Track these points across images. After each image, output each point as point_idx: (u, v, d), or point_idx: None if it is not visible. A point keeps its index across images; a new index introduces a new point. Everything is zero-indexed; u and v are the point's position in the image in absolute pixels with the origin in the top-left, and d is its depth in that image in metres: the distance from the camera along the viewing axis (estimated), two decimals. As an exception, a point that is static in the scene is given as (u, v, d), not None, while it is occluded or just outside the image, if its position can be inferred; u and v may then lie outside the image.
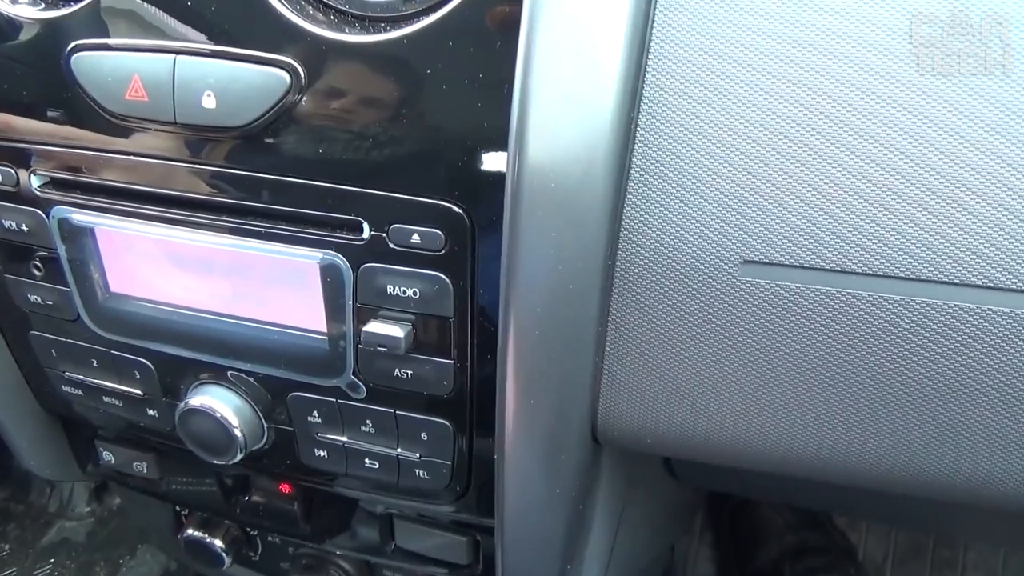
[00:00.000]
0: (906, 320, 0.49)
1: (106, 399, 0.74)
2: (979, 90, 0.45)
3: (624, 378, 0.57)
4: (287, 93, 0.54)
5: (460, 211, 0.55)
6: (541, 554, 0.68)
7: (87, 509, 1.69)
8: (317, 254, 0.59)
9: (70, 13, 0.59)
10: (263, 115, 0.55)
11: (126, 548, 1.62)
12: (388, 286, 0.58)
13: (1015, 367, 0.48)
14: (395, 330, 0.58)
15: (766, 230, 0.50)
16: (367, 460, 0.67)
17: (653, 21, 0.50)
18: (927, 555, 1.50)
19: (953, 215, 0.47)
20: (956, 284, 0.48)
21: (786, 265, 0.50)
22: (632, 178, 0.52)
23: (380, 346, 0.59)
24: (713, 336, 0.53)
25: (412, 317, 0.59)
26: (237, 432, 0.67)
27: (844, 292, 0.49)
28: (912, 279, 0.48)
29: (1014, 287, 0.47)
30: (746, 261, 0.51)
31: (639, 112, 0.51)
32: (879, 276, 0.49)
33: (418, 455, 0.65)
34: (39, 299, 0.70)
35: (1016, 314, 0.47)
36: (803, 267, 0.50)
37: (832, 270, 0.49)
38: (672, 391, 0.56)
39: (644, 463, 0.86)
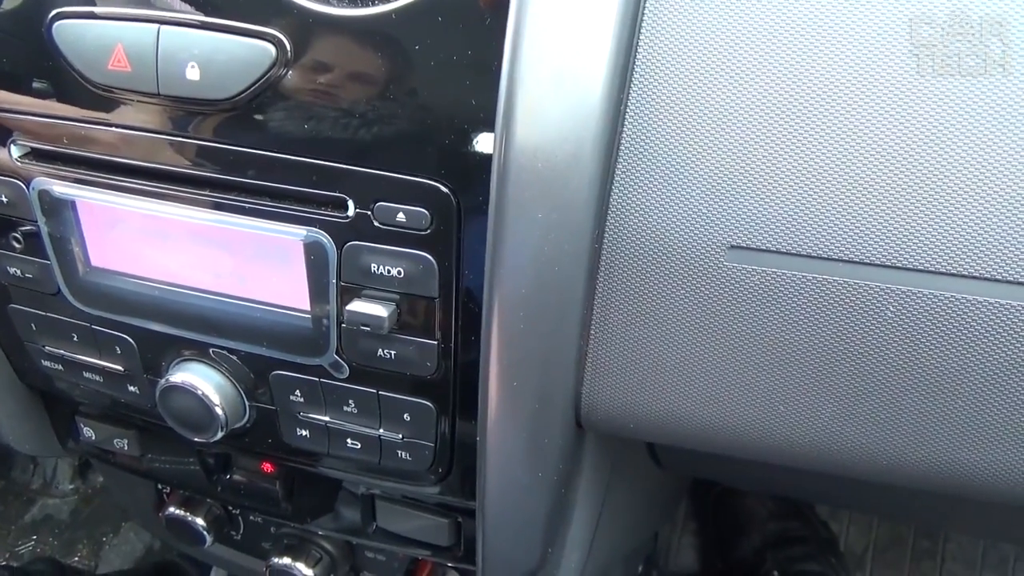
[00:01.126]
0: (891, 309, 0.49)
1: (86, 374, 0.73)
2: (978, 90, 0.45)
3: (609, 362, 0.57)
4: (273, 66, 0.53)
5: (447, 190, 0.54)
6: (522, 537, 0.68)
7: (71, 487, 1.69)
8: (301, 231, 0.58)
9: (52, -21, 0.58)
10: (248, 88, 0.54)
11: (109, 526, 1.62)
12: (372, 265, 0.57)
13: (999, 357, 0.48)
14: (379, 309, 0.58)
15: (753, 216, 0.49)
16: (349, 440, 0.67)
17: (645, 2, 0.49)
18: (907, 545, 1.51)
19: (942, 207, 0.47)
20: (942, 273, 0.48)
21: (773, 251, 0.50)
22: (620, 160, 0.51)
23: (363, 325, 0.58)
24: (698, 321, 0.53)
25: (396, 297, 0.58)
26: (218, 410, 0.66)
27: (831, 279, 0.49)
28: (898, 268, 0.48)
29: (1000, 277, 0.47)
30: (733, 246, 0.50)
31: (629, 94, 0.50)
32: (865, 264, 0.48)
33: (400, 436, 0.65)
34: (18, 272, 0.69)
35: (1001, 304, 0.47)
36: (790, 253, 0.49)
37: (819, 257, 0.49)
38: (656, 376, 0.56)
39: (628, 449, 0.86)
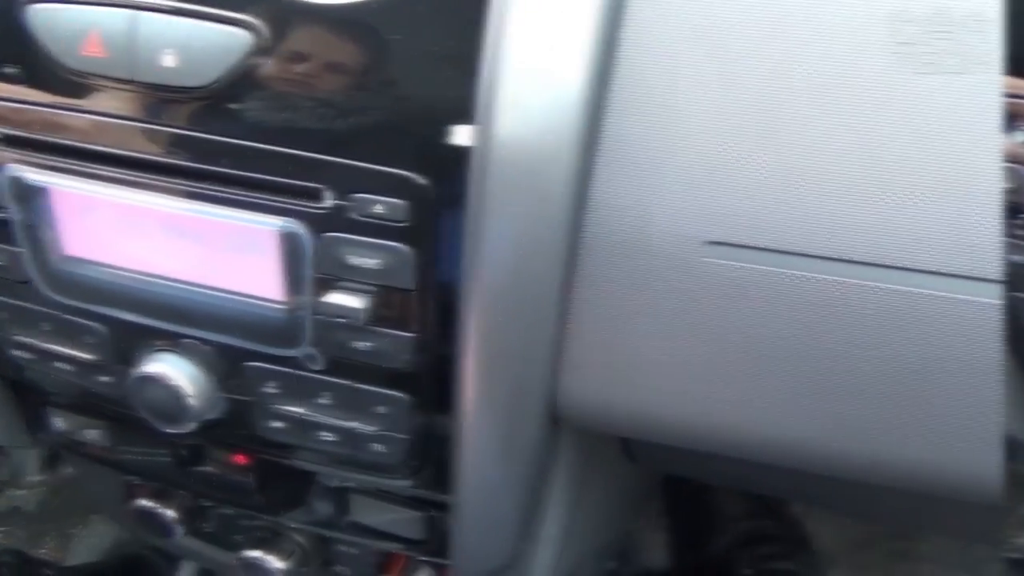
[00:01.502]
0: (871, 306, 0.49)
1: (57, 364, 0.72)
2: (959, 88, 0.46)
3: (586, 356, 0.57)
4: (250, 54, 0.53)
5: (425, 182, 0.54)
6: (495, 532, 0.68)
7: (39, 478, 1.67)
8: (276, 221, 0.57)
9: (26, -39, 0.57)
10: (224, 75, 0.53)
11: (78, 518, 1.60)
12: (348, 256, 0.57)
13: (979, 356, 0.49)
14: (354, 301, 0.57)
15: (732, 211, 0.50)
16: (323, 432, 0.66)
17: (627, -2, 0.50)
18: (880, 545, 1.53)
19: (924, 204, 0.47)
20: (925, 272, 0.48)
21: (751, 247, 0.50)
22: (601, 155, 0.51)
23: (339, 317, 0.58)
24: (675, 316, 0.53)
25: (372, 289, 0.58)
26: (191, 400, 0.66)
27: (808, 276, 0.50)
28: (876, 265, 0.48)
29: (980, 276, 0.47)
30: (711, 242, 0.50)
31: (611, 88, 0.50)
32: (843, 261, 0.49)
33: (375, 428, 0.65)
34: (-13, 260, 0.68)
35: (982, 303, 0.47)
36: (768, 249, 0.50)
37: (796, 253, 0.49)
38: (632, 370, 0.56)
39: (603, 445, 0.86)
